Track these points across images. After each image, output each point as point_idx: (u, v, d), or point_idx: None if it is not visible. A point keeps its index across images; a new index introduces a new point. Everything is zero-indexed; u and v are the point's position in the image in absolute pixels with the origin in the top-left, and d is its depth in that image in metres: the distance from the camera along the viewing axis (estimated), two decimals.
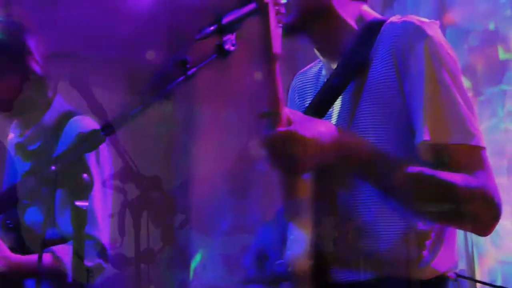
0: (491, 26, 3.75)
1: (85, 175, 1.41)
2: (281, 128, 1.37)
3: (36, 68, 2.38)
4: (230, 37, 1.44)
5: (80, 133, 2.31)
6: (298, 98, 1.80)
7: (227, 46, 1.44)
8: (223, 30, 1.42)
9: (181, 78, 1.41)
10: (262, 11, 1.40)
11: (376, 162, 1.44)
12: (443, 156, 1.44)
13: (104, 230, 2.37)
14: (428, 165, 1.45)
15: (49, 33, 2.50)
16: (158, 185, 3.18)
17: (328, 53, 1.69)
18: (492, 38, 3.73)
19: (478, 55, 3.76)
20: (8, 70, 2.37)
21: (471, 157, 1.45)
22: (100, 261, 2.34)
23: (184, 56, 1.41)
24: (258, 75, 1.41)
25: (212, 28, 1.42)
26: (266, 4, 1.40)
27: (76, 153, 1.41)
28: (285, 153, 1.36)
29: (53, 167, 1.38)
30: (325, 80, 1.69)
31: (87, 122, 2.42)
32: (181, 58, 1.41)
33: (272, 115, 1.39)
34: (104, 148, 2.38)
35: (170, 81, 1.39)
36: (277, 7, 1.42)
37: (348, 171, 1.48)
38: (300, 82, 1.82)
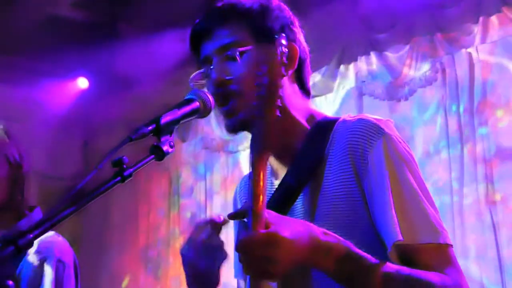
0: None
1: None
2: (262, 230, 1.26)
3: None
4: (168, 138, 1.40)
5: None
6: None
7: (165, 148, 1.39)
8: (161, 131, 1.39)
9: (117, 179, 1.33)
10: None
11: (353, 260, 1.36)
12: (414, 255, 1.42)
13: None
14: (398, 263, 1.41)
15: None
16: None
17: (279, 153, 1.62)
18: None
19: None
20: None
21: (441, 255, 1.43)
22: None
23: (120, 156, 1.34)
24: None
25: (149, 128, 1.38)
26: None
27: None
28: (266, 256, 1.25)
29: None
30: (274, 181, 1.63)
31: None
32: (117, 158, 1.34)
33: (253, 215, 1.27)
34: (70, 267, 2.21)
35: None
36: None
37: (323, 269, 1.37)
38: (246, 185, 1.71)
